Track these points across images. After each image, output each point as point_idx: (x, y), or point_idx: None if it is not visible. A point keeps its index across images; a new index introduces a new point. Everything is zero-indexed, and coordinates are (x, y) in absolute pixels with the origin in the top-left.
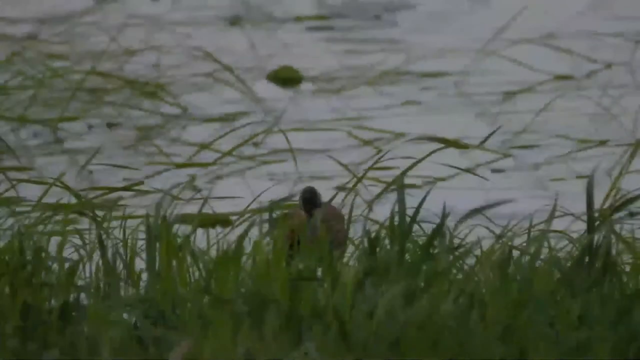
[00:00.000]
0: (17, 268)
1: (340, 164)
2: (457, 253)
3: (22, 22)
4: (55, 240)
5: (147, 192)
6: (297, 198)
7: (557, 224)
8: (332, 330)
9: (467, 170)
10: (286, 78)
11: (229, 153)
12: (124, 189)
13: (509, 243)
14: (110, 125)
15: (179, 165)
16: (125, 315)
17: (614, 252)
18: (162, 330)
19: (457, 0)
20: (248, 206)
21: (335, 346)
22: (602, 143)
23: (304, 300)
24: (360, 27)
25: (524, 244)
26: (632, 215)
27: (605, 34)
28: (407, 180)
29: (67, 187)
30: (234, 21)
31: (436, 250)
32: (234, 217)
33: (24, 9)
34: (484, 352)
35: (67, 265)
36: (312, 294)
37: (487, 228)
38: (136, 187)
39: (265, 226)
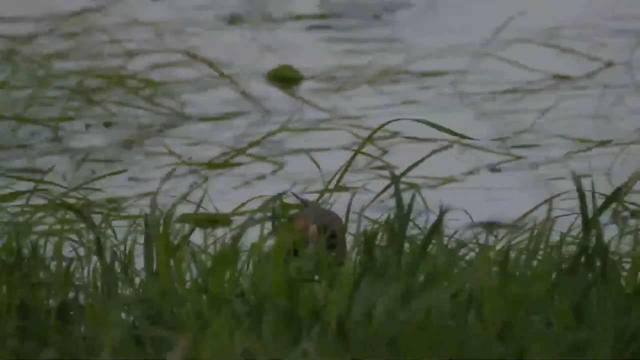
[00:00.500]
0: (14, 267)
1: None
2: (454, 252)
3: (21, 21)
4: (53, 239)
5: (150, 192)
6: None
7: (557, 224)
8: (331, 330)
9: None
10: (286, 77)
11: (242, 152)
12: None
13: (507, 242)
14: (107, 125)
15: (187, 164)
16: (123, 315)
17: (612, 251)
18: (161, 330)
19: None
20: (243, 204)
21: (334, 346)
22: (603, 143)
23: (303, 300)
24: (359, 27)
25: (523, 243)
26: (633, 215)
27: (605, 33)
28: (407, 180)
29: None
30: (233, 20)
31: (434, 250)
32: (233, 217)
33: (23, 8)
34: (482, 351)
35: (65, 264)
36: (310, 294)
37: (486, 227)
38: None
39: (265, 226)
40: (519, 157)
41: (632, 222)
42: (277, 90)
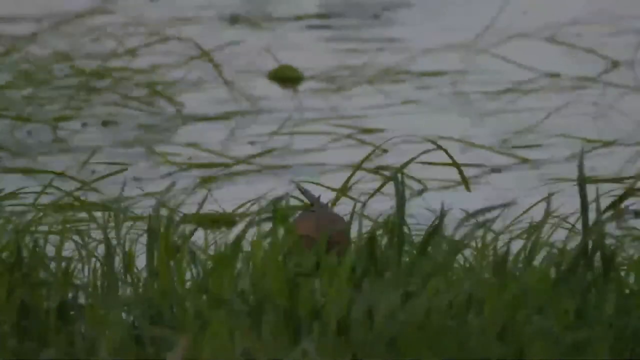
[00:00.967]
0: (14, 267)
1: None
2: (454, 252)
3: (21, 21)
4: (53, 238)
5: (151, 193)
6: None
7: (557, 223)
8: (331, 330)
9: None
10: (286, 77)
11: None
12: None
13: (507, 242)
14: (105, 124)
15: (190, 164)
16: (123, 315)
17: (611, 250)
18: (161, 330)
19: None
20: (242, 206)
21: (334, 346)
22: (607, 144)
23: (303, 300)
24: (359, 26)
25: (522, 243)
26: (637, 214)
27: (606, 33)
28: (407, 180)
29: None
30: (234, 20)
31: (433, 250)
32: (236, 217)
33: (23, 7)
34: (482, 351)
35: (65, 264)
36: (310, 294)
37: (486, 227)
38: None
39: (264, 225)
40: (525, 160)
41: (632, 222)
42: (277, 90)
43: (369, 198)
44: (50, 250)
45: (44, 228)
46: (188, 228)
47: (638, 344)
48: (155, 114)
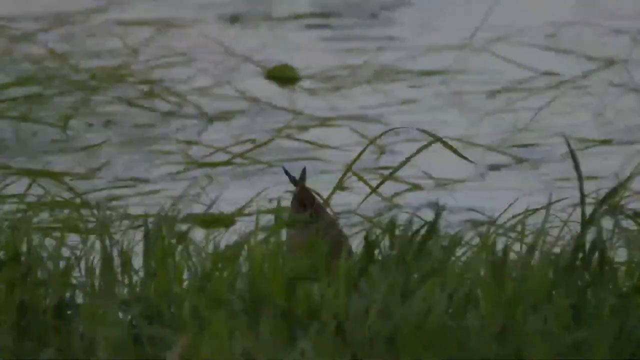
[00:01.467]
0: (12, 266)
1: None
2: (451, 251)
3: (23, 20)
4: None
5: (149, 192)
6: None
7: (555, 223)
8: (328, 329)
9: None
10: (283, 76)
11: (242, 155)
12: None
13: (506, 242)
14: (108, 124)
15: (191, 163)
16: (121, 314)
17: (609, 250)
18: (159, 329)
19: None
20: (246, 205)
21: (332, 345)
22: (605, 142)
23: (300, 300)
24: (357, 25)
25: (520, 243)
26: (636, 215)
27: (603, 32)
28: (408, 180)
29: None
30: (234, 19)
31: (431, 248)
32: (234, 217)
33: (25, 6)
34: (480, 351)
35: (63, 263)
36: (308, 293)
37: (483, 225)
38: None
39: (263, 225)
40: (522, 160)
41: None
42: (275, 89)
43: (365, 199)
44: (48, 250)
45: (43, 227)
46: (186, 228)
47: (636, 343)
48: (155, 113)
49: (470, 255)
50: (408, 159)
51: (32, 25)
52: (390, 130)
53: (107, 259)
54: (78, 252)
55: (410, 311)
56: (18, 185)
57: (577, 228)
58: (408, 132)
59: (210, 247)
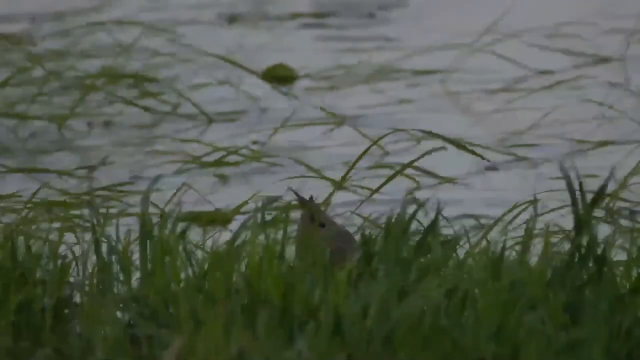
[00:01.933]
0: (10, 266)
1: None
2: (449, 250)
3: (21, 20)
4: (49, 237)
5: (147, 191)
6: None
7: (553, 223)
8: (325, 329)
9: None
10: (280, 76)
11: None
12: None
13: (502, 241)
14: (107, 124)
15: (189, 163)
16: (118, 314)
17: (605, 249)
18: (156, 328)
19: None
20: (243, 204)
21: (329, 344)
22: (602, 144)
23: (297, 299)
24: (354, 25)
25: (517, 243)
26: (632, 214)
27: (600, 31)
28: (404, 179)
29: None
30: (232, 19)
31: (429, 247)
32: (231, 216)
33: (21, 6)
34: (476, 350)
35: (60, 263)
36: (305, 293)
37: (481, 225)
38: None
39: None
40: (523, 158)
41: (626, 221)
42: (273, 89)
43: (366, 199)
44: (46, 248)
45: (40, 227)
46: (183, 226)
47: (632, 342)
48: (154, 113)
49: (467, 255)
50: (413, 161)
51: (31, 25)
52: (395, 131)
53: (103, 259)
54: (75, 252)
55: (407, 310)
56: (16, 185)
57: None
58: (407, 132)
59: (208, 246)
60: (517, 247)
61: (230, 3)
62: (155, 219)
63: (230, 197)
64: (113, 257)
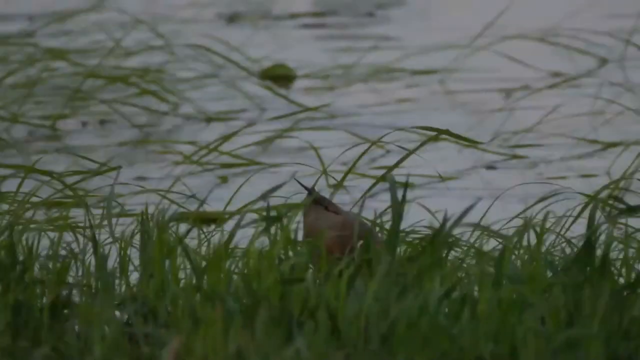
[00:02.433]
0: (8, 265)
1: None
2: (449, 251)
3: (18, 19)
4: (48, 236)
5: (145, 191)
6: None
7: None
8: (323, 328)
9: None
10: (280, 75)
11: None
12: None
13: (502, 241)
14: (103, 123)
15: (187, 163)
16: (117, 313)
17: (604, 249)
18: (154, 328)
19: None
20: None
21: (327, 343)
22: (603, 144)
23: (295, 298)
24: (353, 25)
25: (517, 242)
26: (630, 210)
27: (600, 32)
28: (402, 179)
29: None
30: (232, 18)
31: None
32: (228, 215)
33: (19, 5)
34: (475, 350)
35: (59, 262)
36: (302, 292)
37: (481, 226)
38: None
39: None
40: (520, 157)
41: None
42: (271, 88)
43: (360, 199)
44: (43, 249)
45: (38, 226)
46: (182, 227)
47: (631, 342)
48: (152, 113)
49: (466, 254)
50: (410, 153)
51: (27, 23)
52: (394, 130)
53: (101, 258)
54: (74, 252)
55: (405, 310)
56: (14, 184)
57: (573, 227)
58: (406, 130)
59: (206, 246)
60: (517, 247)
61: (230, 2)
62: (154, 219)
63: (228, 197)
64: (112, 257)
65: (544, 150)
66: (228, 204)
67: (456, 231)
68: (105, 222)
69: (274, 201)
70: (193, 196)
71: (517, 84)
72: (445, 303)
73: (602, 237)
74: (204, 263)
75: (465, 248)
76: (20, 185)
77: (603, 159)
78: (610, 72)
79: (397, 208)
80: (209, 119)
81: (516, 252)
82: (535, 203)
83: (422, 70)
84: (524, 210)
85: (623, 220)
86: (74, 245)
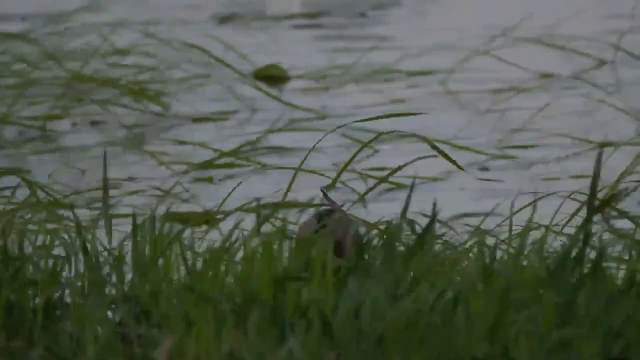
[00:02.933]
0: (0, 265)
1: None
2: (442, 251)
3: (10, 20)
4: (41, 237)
5: (138, 192)
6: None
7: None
8: (316, 328)
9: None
10: (273, 76)
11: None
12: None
13: (496, 242)
14: (94, 124)
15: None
16: (110, 314)
17: (598, 249)
18: (147, 328)
19: None
20: (244, 204)
21: (320, 344)
22: (599, 145)
23: (288, 298)
24: (348, 25)
25: (510, 243)
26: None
27: (597, 32)
28: (395, 180)
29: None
30: (225, 19)
31: (422, 248)
32: (220, 216)
33: (12, 5)
34: (468, 350)
35: (52, 262)
36: (296, 292)
37: (475, 227)
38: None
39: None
40: (510, 157)
41: (619, 221)
42: (265, 89)
43: (355, 202)
44: (37, 249)
45: (31, 227)
46: (174, 227)
47: (624, 343)
48: (145, 114)
49: (460, 255)
50: (402, 166)
51: (19, 24)
52: (384, 133)
53: (93, 259)
54: (67, 252)
55: (399, 311)
56: (7, 185)
57: (567, 227)
58: (399, 133)
59: (198, 246)
60: (510, 248)
61: (224, 3)
62: (147, 220)
63: (220, 197)
64: (103, 258)
65: (540, 151)
66: (222, 204)
67: (449, 232)
68: (99, 223)
69: (268, 200)
70: (186, 197)
71: (511, 85)
72: (439, 303)
73: (597, 237)
74: (198, 263)
75: (460, 248)
76: (14, 190)
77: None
78: (607, 73)
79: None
80: (201, 120)
81: (510, 252)
82: (529, 204)
83: (418, 72)
84: (518, 211)
85: (617, 221)
86: (67, 246)
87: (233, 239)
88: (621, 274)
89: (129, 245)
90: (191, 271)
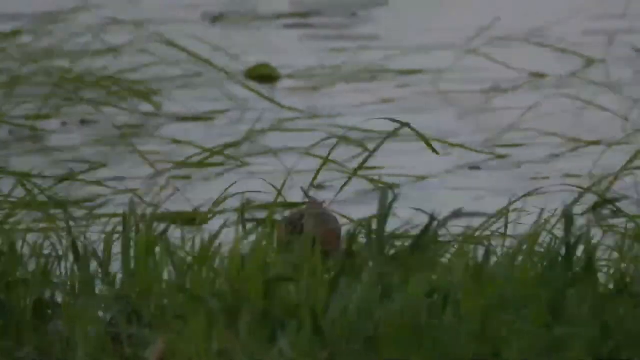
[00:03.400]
0: None
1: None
2: (434, 251)
3: (2, 19)
4: (31, 237)
5: (127, 191)
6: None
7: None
8: (306, 328)
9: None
10: (263, 75)
11: (220, 152)
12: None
13: (486, 241)
14: (84, 123)
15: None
16: (100, 314)
17: (589, 249)
18: (138, 328)
19: None
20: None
21: (311, 344)
22: (589, 144)
23: (280, 299)
24: (337, 25)
25: (501, 242)
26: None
27: (585, 32)
28: (387, 179)
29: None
30: (216, 19)
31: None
32: (210, 215)
33: (3, 4)
34: (458, 350)
35: (42, 262)
36: (286, 292)
37: (464, 226)
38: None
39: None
40: (500, 156)
41: (611, 220)
42: (255, 88)
43: (334, 198)
44: (28, 247)
45: (21, 227)
46: (164, 226)
47: (616, 342)
48: (134, 113)
49: (450, 255)
50: (375, 150)
51: (12, 23)
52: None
53: (83, 259)
54: (58, 252)
55: (389, 311)
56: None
57: (557, 227)
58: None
59: (188, 246)
60: (501, 247)
61: (214, 3)
62: (136, 219)
63: (209, 197)
64: (94, 258)
65: (530, 150)
66: (216, 203)
67: (442, 231)
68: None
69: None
70: (175, 196)
71: (504, 85)
72: (428, 303)
73: (589, 236)
74: (187, 262)
75: (450, 248)
76: (11, 192)
77: (589, 159)
78: (597, 72)
79: (384, 209)
80: (191, 119)
81: (501, 251)
82: (517, 199)
83: (407, 71)
84: (509, 210)
85: (611, 220)
86: (57, 246)
87: (221, 238)
88: (612, 272)
89: (118, 245)
90: (179, 271)
